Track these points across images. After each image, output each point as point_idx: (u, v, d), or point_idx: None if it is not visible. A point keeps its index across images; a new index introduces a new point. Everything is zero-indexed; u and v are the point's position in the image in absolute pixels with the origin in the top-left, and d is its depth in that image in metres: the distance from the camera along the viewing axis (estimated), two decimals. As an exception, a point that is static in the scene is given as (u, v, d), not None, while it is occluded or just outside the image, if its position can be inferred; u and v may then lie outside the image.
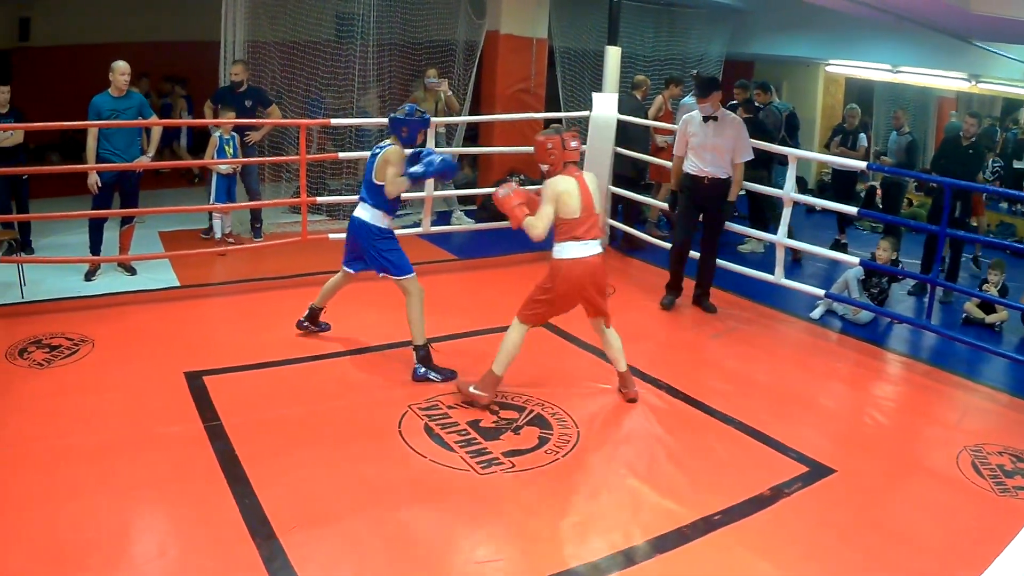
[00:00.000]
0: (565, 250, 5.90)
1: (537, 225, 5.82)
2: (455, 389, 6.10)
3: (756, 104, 11.47)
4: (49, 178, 9.57)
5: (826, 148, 12.97)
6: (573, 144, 5.93)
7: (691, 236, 8.57)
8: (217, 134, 9.47)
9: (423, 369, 6.46)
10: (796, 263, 10.67)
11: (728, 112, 8.41)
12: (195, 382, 6.10)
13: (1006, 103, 18.58)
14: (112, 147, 8.22)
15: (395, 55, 11.73)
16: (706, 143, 8.12)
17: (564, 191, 5.82)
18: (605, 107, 10.32)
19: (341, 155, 9.80)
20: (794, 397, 6.86)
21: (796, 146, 11.63)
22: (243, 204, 9.77)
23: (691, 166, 8.28)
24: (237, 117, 9.32)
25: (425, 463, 5.17)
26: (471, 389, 5.95)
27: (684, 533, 4.60)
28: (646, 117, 10.98)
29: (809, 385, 7.02)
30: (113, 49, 9.41)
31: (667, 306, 8.47)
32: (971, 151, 9.90)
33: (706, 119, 8.16)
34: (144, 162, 8.46)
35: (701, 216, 8.48)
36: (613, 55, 10.46)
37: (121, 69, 8.19)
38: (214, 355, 6.64)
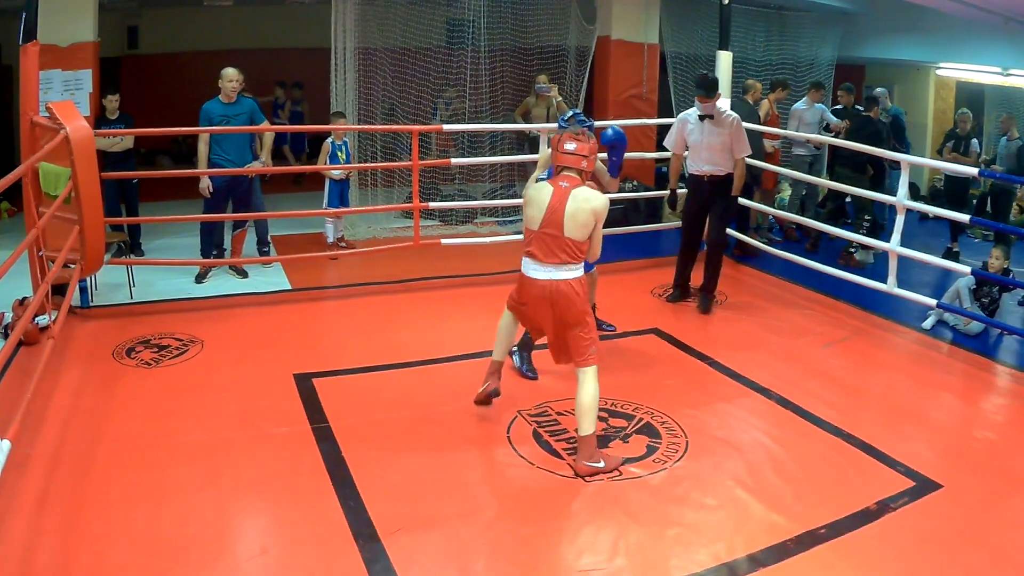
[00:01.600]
0: (522, 263, 5.37)
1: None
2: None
3: (857, 108, 11.27)
4: (160, 182, 9.71)
5: (939, 154, 12.68)
6: (568, 146, 5.29)
7: (697, 235, 8.55)
8: (330, 140, 9.51)
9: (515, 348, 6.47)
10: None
11: (726, 110, 8.37)
12: (304, 384, 6.14)
13: None
14: (224, 153, 8.34)
15: (506, 60, 11.75)
16: (702, 141, 8.17)
17: (530, 197, 5.34)
18: None
19: (453, 161, 9.83)
20: (903, 409, 6.67)
21: (903, 151, 11.36)
22: (356, 209, 9.86)
23: (691, 165, 8.37)
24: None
25: (533, 470, 5.13)
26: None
27: (788, 547, 4.53)
28: (759, 122, 10.79)
29: (918, 397, 6.81)
30: (220, 56, 9.57)
31: (674, 300, 8.52)
32: None
33: (702, 117, 8.17)
34: (256, 167, 8.55)
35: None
36: (725, 59, 10.35)
37: (230, 76, 8.28)
38: (324, 358, 6.69)
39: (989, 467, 5.73)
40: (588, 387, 5.23)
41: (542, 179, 5.94)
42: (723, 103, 9.79)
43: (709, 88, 8.17)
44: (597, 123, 11.00)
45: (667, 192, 8.81)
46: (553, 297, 5.20)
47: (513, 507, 4.75)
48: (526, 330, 6.22)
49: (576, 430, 5.25)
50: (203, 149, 8.24)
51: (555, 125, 10.63)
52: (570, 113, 6.39)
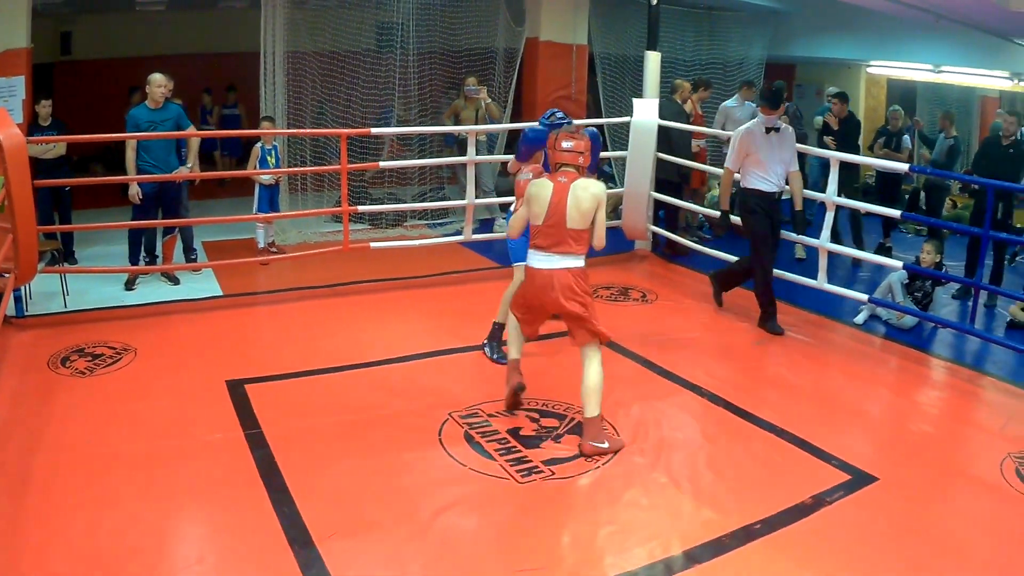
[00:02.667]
0: (528, 256, 5.65)
1: (512, 224, 5.85)
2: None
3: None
4: (93, 189, 9.67)
5: (870, 150, 12.87)
6: (565, 144, 5.57)
7: (774, 255, 8.23)
8: (259, 144, 9.48)
9: (485, 342, 6.77)
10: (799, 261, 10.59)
11: (782, 123, 8.14)
12: (237, 390, 6.13)
13: None
14: (151, 159, 8.28)
15: (435, 63, 11.76)
16: (773, 156, 7.89)
17: (533, 194, 5.57)
18: (646, 113, 10.22)
19: (382, 164, 9.82)
20: (837, 404, 6.78)
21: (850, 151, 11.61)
22: (285, 214, 9.86)
23: (760, 182, 7.95)
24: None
25: (465, 472, 5.16)
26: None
27: (723, 543, 4.56)
28: (688, 121, 10.92)
29: (852, 392, 6.91)
30: (154, 61, 9.50)
31: (776, 330, 8.01)
32: (1011, 151, 9.72)
33: (768, 130, 7.90)
34: (184, 172, 8.53)
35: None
36: (653, 60, 10.40)
37: (158, 81, 8.25)
38: (256, 364, 6.68)
39: (924, 459, 5.86)
40: (592, 370, 5.56)
41: (527, 176, 6.31)
42: (649, 105, 9.95)
43: (774, 99, 7.97)
44: (525, 125, 11.17)
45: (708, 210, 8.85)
46: (555, 285, 5.48)
47: (447, 509, 4.76)
48: (494, 321, 6.89)
49: (581, 411, 5.61)
50: (130, 155, 8.18)
51: (484, 127, 10.80)
52: (551, 112, 6.53)
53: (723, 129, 11.36)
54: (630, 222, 10.36)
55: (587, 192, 5.45)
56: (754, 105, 11.87)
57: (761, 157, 7.91)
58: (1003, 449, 6.00)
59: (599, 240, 5.64)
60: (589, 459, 5.42)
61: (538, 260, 5.55)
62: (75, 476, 4.88)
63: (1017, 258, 11.29)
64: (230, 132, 13.15)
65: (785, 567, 4.45)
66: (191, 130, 8.69)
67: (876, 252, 10.68)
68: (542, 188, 5.53)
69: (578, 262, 5.57)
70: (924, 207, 12.54)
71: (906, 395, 7.11)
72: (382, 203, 10.54)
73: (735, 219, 8.28)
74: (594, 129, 6.79)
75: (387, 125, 11.17)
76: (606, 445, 5.51)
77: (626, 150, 10.35)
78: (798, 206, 8.06)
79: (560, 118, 6.45)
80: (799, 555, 4.56)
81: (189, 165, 8.59)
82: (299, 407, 5.98)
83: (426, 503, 4.81)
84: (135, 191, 8.20)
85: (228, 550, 4.29)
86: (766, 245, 8.05)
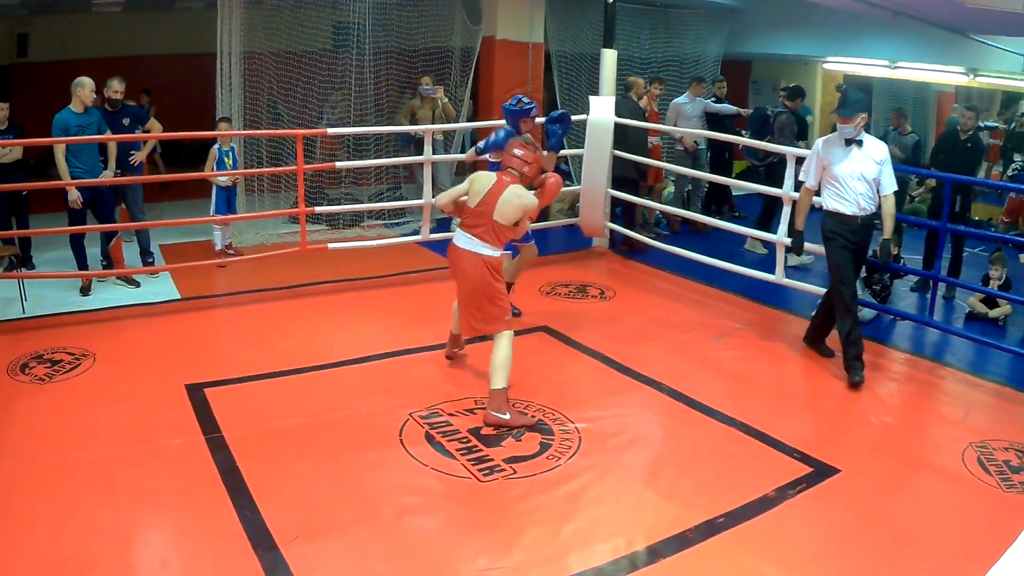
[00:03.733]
0: (455, 232, 6.18)
1: (442, 195, 6.41)
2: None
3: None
4: (49, 193, 9.61)
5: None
6: (517, 152, 6.16)
7: (855, 287, 7.26)
8: (216, 146, 9.47)
9: None
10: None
11: (870, 136, 7.10)
12: (196, 394, 6.11)
13: (1005, 96, 18.58)
14: (81, 165, 8.22)
15: (391, 63, 11.75)
16: (854, 173, 6.87)
17: (476, 179, 6.15)
18: (602, 110, 10.30)
19: (339, 164, 9.80)
20: (797, 397, 6.89)
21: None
22: (242, 216, 9.80)
23: (837, 203, 7.00)
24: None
25: (427, 471, 5.17)
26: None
27: (687, 537, 4.59)
28: (644, 119, 10.98)
29: (812, 385, 6.99)
30: (111, 63, 9.45)
31: (825, 355, 7.49)
32: (969, 144, 9.81)
33: (849, 142, 6.91)
34: (108, 178, 8.45)
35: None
36: (609, 58, 10.47)
37: (91, 85, 8.20)
38: (215, 367, 6.66)
39: (885, 450, 5.94)
40: (500, 348, 5.97)
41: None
42: (605, 103, 9.98)
43: (849, 106, 6.86)
44: (481, 124, 11.20)
45: (783, 236, 8.27)
46: (470, 266, 5.98)
47: (409, 509, 4.77)
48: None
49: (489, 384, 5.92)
50: (61, 160, 8.07)
51: (441, 126, 10.84)
52: (517, 98, 7.11)
53: (675, 126, 11.58)
54: (588, 219, 10.43)
55: (519, 200, 6.01)
56: (706, 101, 12.01)
57: (837, 172, 6.98)
58: (964, 439, 6.10)
59: (520, 231, 6.29)
60: (493, 428, 5.78)
61: (461, 239, 6.05)
62: (38, 484, 4.85)
63: (976, 250, 11.42)
64: (172, 135, 12.98)
65: (749, 560, 4.49)
66: (108, 135, 8.53)
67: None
68: (487, 177, 6.15)
69: (494, 252, 6.02)
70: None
71: (866, 387, 7.08)
72: (339, 204, 10.53)
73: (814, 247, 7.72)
74: (566, 110, 7.24)
75: (340, 125, 11.12)
76: (507, 417, 5.83)
77: (583, 148, 10.41)
78: (886, 234, 6.97)
79: (526, 104, 7.02)
80: (763, 548, 4.59)
81: (113, 170, 8.48)
82: (259, 410, 5.96)
83: (388, 504, 4.81)
84: (75, 196, 8.12)
85: (191, 555, 4.27)
86: (846, 271, 7.04)
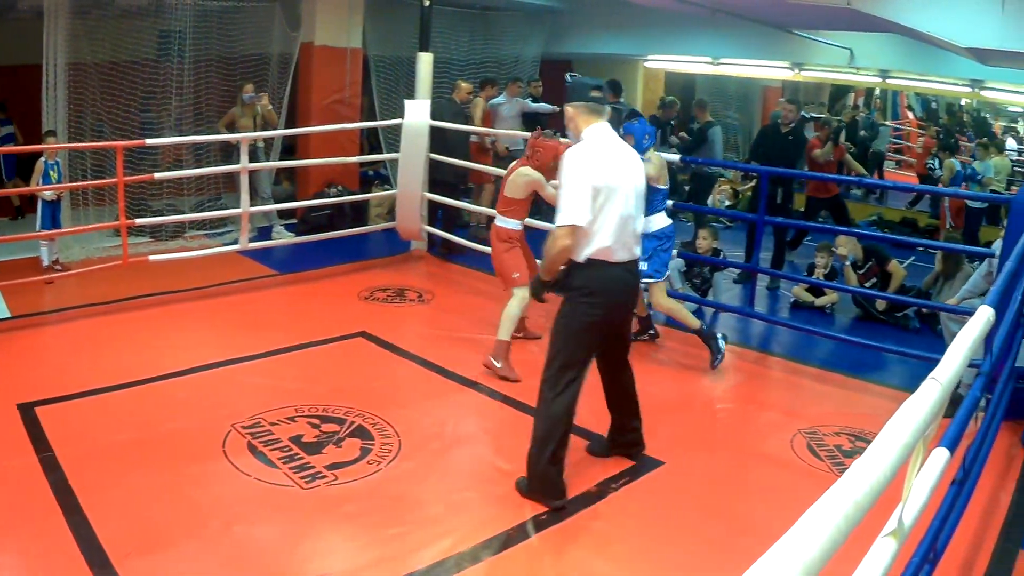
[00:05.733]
0: None
1: None
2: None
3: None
4: None
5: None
6: (530, 140, 7.40)
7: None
8: (43, 160, 9.36)
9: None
10: None
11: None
12: (28, 413, 6.01)
13: (834, 89, 19.52)
14: None
15: (212, 70, 11.74)
16: None
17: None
18: (417, 114, 10.50)
19: (157, 175, 9.67)
20: None
21: None
22: (66, 231, 9.61)
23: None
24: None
25: (250, 481, 5.24)
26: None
27: (513, 535, 4.76)
28: (466, 121, 11.29)
29: (638, 380, 6.54)
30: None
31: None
32: (790, 137, 10.27)
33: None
34: None
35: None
36: (425, 61, 10.69)
37: None
38: (45, 385, 6.53)
39: (714, 441, 6.26)
40: (510, 305, 7.19)
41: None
42: (420, 106, 10.28)
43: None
44: (300, 130, 11.21)
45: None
46: (492, 237, 7.39)
47: (237, 520, 4.82)
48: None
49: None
50: None
51: (262, 133, 10.92)
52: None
53: (492, 127, 11.89)
54: (404, 223, 10.66)
55: (521, 175, 7.24)
56: (523, 101, 12.46)
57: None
58: (793, 426, 6.46)
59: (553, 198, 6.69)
60: (487, 371, 7.06)
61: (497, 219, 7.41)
62: None
63: (805, 240, 12.04)
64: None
65: (578, 555, 4.68)
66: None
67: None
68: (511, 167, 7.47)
69: (505, 223, 7.30)
70: (690, 194, 13.22)
71: (693, 380, 7.44)
72: (161, 215, 10.46)
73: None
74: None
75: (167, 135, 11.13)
76: (499, 365, 7.02)
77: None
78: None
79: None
80: (590, 542, 4.79)
81: None
82: (90, 427, 5.90)
83: (216, 515, 4.85)
84: None
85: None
86: None
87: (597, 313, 5.11)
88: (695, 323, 7.54)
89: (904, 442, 2.04)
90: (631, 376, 5.70)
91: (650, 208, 7.06)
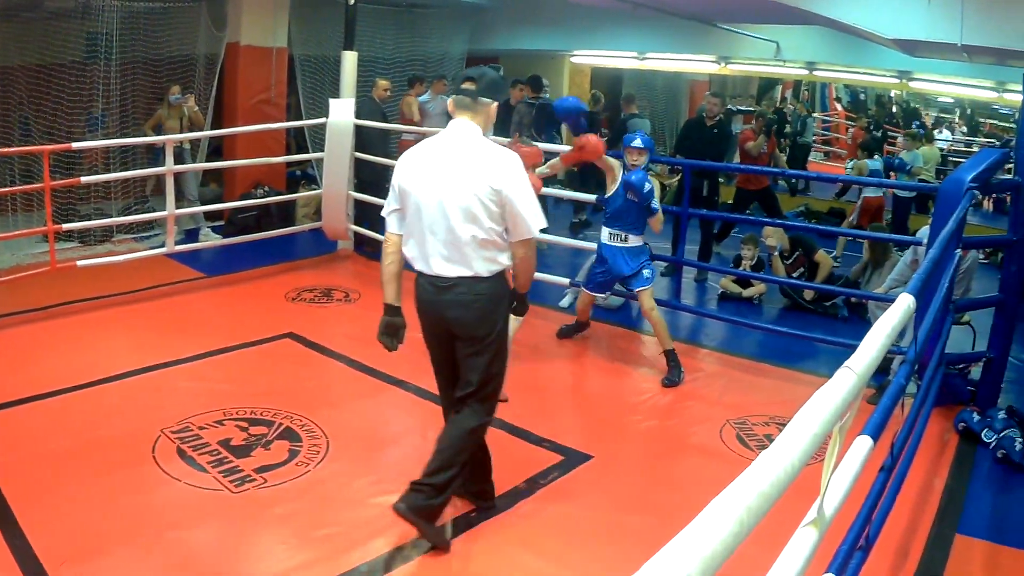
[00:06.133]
0: None
1: None
2: None
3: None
4: None
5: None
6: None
7: None
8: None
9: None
10: None
11: None
12: None
13: (762, 82, 19.80)
14: None
15: (138, 72, 11.71)
16: None
17: None
18: (342, 113, 10.60)
19: (84, 179, 9.62)
20: (548, 388, 7.25)
21: (549, 140, 12.26)
22: None
23: None
24: None
25: (180, 486, 5.25)
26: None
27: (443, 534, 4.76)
28: (385, 119, 11.38)
29: (566, 375, 7.29)
30: None
31: None
32: (716, 130, 10.49)
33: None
34: None
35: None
36: (350, 60, 10.77)
37: None
38: None
39: (642, 434, 6.36)
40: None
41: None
42: (345, 105, 10.33)
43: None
44: (225, 131, 11.17)
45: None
46: None
47: (169, 526, 4.83)
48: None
49: None
50: None
51: (189, 135, 10.94)
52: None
53: (419, 125, 11.87)
54: (330, 222, 10.76)
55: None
56: (447, 99, 12.57)
57: None
58: (722, 417, 6.61)
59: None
60: None
61: None
62: None
63: (732, 231, 12.26)
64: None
65: (509, 551, 4.75)
66: None
67: (572, 227, 11.58)
68: None
69: None
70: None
71: (621, 374, 7.57)
72: (90, 219, 10.42)
73: None
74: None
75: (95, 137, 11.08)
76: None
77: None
78: None
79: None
80: (520, 538, 4.87)
81: None
82: (21, 436, 5.87)
83: (148, 521, 4.86)
84: None
85: (-39, 590, 4.24)
86: None
87: (423, 327, 4.98)
88: (669, 344, 7.58)
89: (814, 432, 2.01)
90: (460, 426, 4.88)
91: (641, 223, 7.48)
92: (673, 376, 7.41)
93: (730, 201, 12.18)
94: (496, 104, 4.78)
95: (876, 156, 14.57)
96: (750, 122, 12.26)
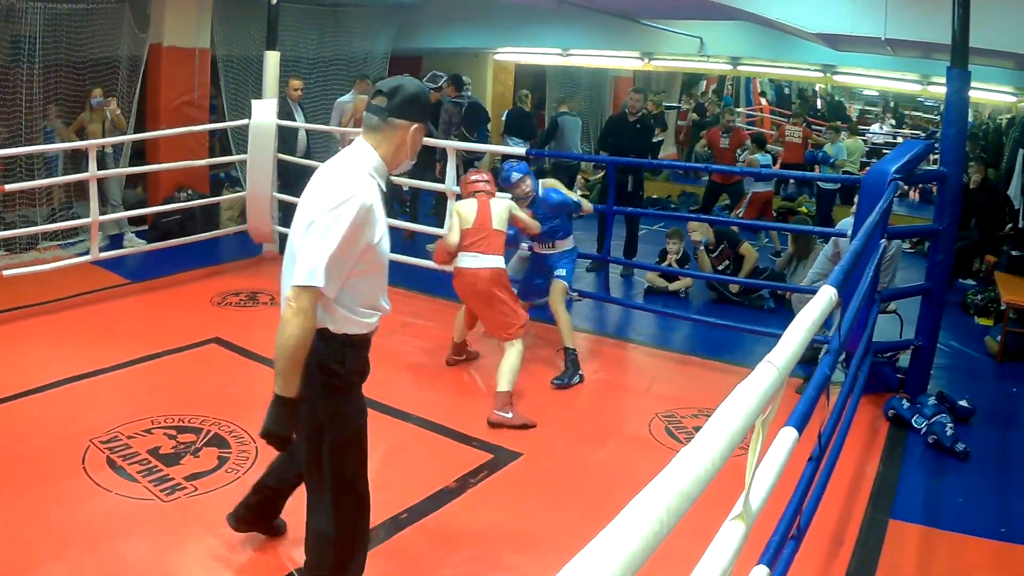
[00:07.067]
0: (458, 258, 6.96)
1: (447, 236, 7.08)
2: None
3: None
4: None
5: (503, 135, 14.09)
6: (475, 178, 7.15)
7: None
8: None
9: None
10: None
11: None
12: None
13: (687, 77, 20.01)
14: None
15: (61, 75, 11.56)
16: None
17: (462, 209, 7.02)
18: (264, 114, 10.61)
19: (8, 187, 9.56)
20: (477, 387, 7.34)
21: (481, 139, 12.48)
22: None
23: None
24: None
25: (112, 497, 5.23)
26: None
27: (374, 535, 4.60)
28: (292, 119, 11.38)
29: (493, 372, 7.07)
30: None
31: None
32: (639, 126, 10.68)
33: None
34: None
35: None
36: (272, 60, 10.82)
37: None
38: None
39: (570, 430, 6.47)
40: (509, 356, 6.71)
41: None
42: (267, 106, 10.36)
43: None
44: (148, 135, 11.08)
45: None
46: (481, 283, 6.80)
47: (102, 537, 4.81)
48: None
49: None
50: None
51: (112, 139, 10.86)
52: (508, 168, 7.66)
53: (339, 124, 12.05)
54: (255, 225, 10.76)
55: (501, 204, 7.04)
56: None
57: None
58: (651, 409, 6.74)
59: (532, 228, 7.30)
60: (493, 427, 6.40)
61: (466, 260, 6.88)
62: None
63: (656, 227, 12.55)
64: None
65: (440, 550, 4.83)
66: None
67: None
68: (470, 205, 7.02)
69: (500, 263, 6.91)
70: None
71: (552, 369, 7.59)
72: (15, 227, 10.33)
73: None
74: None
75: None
76: (510, 416, 6.47)
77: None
78: None
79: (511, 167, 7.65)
80: (451, 536, 4.95)
81: None
82: None
83: (80, 534, 4.83)
84: None
85: None
86: None
87: None
88: (571, 342, 7.70)
89: (734, 428, 1.99)
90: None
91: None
92: (565, 377, 7.50)
93: (654, 196, 12.32)
94: (417, 126, 3.77)
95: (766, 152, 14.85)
96: (684, 119, 12.39)
